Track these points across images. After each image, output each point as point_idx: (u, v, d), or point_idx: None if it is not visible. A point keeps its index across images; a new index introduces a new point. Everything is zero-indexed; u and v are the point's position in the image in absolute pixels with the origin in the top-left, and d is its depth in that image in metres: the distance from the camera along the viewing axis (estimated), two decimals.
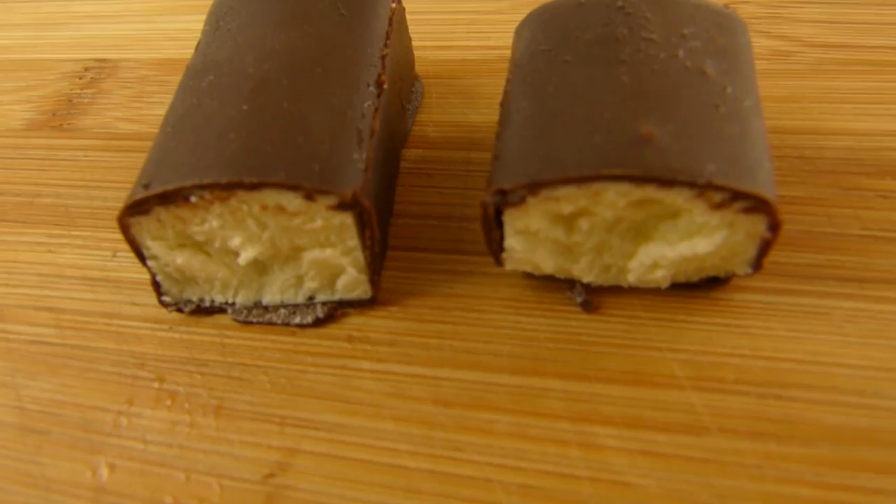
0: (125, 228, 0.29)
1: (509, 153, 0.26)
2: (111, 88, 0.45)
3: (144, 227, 0.29)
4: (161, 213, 0.28)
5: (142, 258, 0.30)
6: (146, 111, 0.43)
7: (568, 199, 0.25)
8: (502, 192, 0.25)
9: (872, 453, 0.26)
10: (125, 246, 0.30)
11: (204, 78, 0.31)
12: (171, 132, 0.30)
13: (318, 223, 0.28)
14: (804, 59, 0.40)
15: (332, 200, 0.27)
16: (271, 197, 0.27)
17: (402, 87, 0.37)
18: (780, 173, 0.34)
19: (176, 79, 0.44)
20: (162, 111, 0.42)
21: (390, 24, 0.34)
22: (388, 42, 0.33)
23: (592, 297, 0.31)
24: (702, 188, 0.24)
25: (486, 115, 0.39)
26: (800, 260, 0.31)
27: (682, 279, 0.29)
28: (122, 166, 0.40)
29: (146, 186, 0.28)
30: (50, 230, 0.37)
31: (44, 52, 0.48)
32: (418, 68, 0.42)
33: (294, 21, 0.33)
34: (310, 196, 0.27)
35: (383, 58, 0.32)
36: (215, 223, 0.29)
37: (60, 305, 0.34)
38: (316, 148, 0.28)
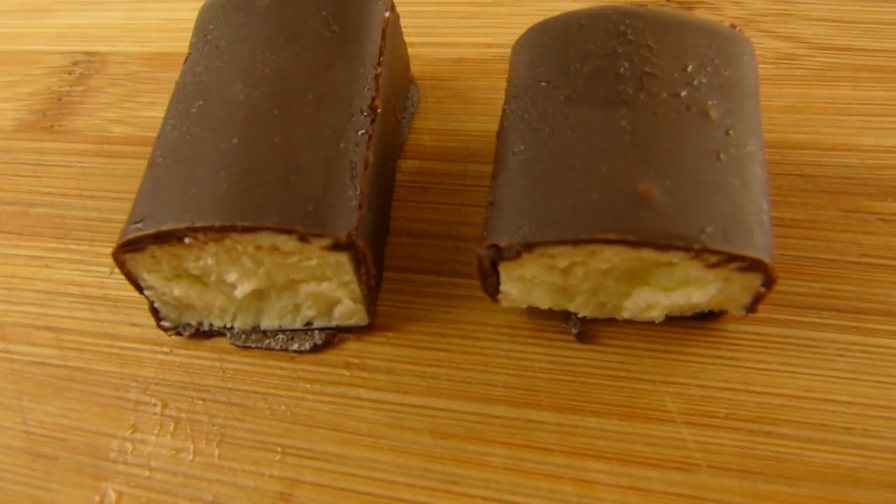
0: (120, 264, 0.29)
1: (505, 203, 0.26)
2: (101, 86, 0.44)
3: (140, 262, 0.29)
4: (155, 250, 0.28)
5: (139, 288, 0.31)
6: (137, 112, 0.42)
7: (563, 256, 0.25)
8: (497, 248, 0.25)
9: (859, 494, 0.26)
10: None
11: (194, 102, 0.31)
12: (163, 164, 0.29)
13: (314, 261, 0.28)
14: (810, 63, 0.38)
15: (326, 242, 0.27)
16: (266, 238, 0.27)
17: (397, 100, 0.36)
18: (781, 193, 0.34)
19: (165, 76, 0.44)
20: (153, 113, 0.42)
21: (384, 38, 0.33)
22: (381, 60, 0.32)
23: (588, 328, 0.31)
24: (698, 252, 0.24)
25: (482, 122, 0.38)
26: (796, 289, 0.31)
27: (676, 314, 0.29)
28: (115, 174, 0.39)
29: (139, 223, 0.28)
30: (46, 243, 0.37)
31: (31, 42, 0.47)
32: (412, 68, 0.41)
33: (284, 40, 0.32)
34: (304, 238, 0.27)
35: (377, 78, 0.32)
36: (210, 261, 0.29)
37: (61, 325, 0.34)
38: (308, 187, 0.28)
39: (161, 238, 0.28)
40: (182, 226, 0.27)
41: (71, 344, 0.34)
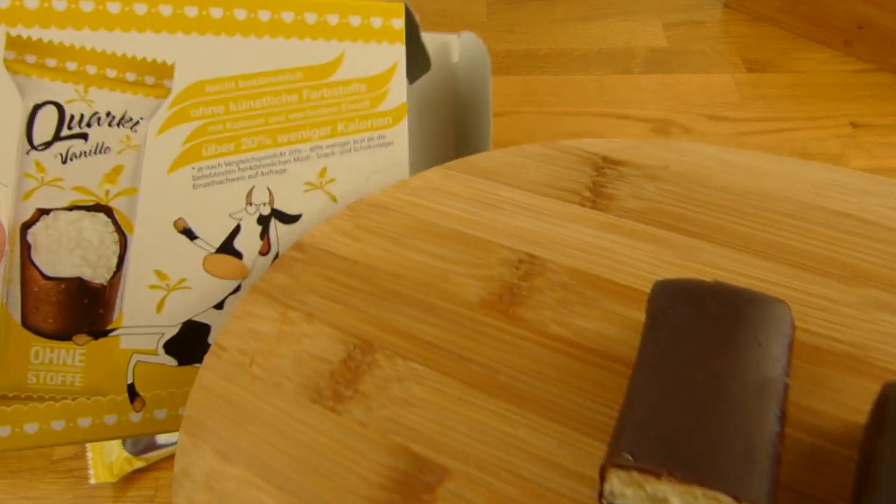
0: (603, 473, 0.47)
1: None
2: (542, 287, 0.63)
3: (617, 477, 0.47)
4: (635, 473, 0.46)
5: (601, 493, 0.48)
6: (570, 319, 0.61)
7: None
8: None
9: None
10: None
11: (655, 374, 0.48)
12: (639, 408, 0.47)
13: None
14: None
15: None
16: (717, 499, 0.44)
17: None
18: None
19: (591, 293, 0.62)
20: (581, 322, 0.60)
21: (790, 352, 0.49)
22: (788, 371, 0.48)
23: None
24: None
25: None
26: None
27: None
28: (556, 364, 0.58)
29: (631, 455, 0.46)
30: (508, 405, 0.56)
31: (484, 232, 0.67)
32: None
33: (720, 348, 0.49)
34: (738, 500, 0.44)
35: (785, 387, 0.48)
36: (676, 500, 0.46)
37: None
38: (743, 461, 0.44)
39: (644, 470, 0.45)
40: (663, 470, 0.44)
41: None
